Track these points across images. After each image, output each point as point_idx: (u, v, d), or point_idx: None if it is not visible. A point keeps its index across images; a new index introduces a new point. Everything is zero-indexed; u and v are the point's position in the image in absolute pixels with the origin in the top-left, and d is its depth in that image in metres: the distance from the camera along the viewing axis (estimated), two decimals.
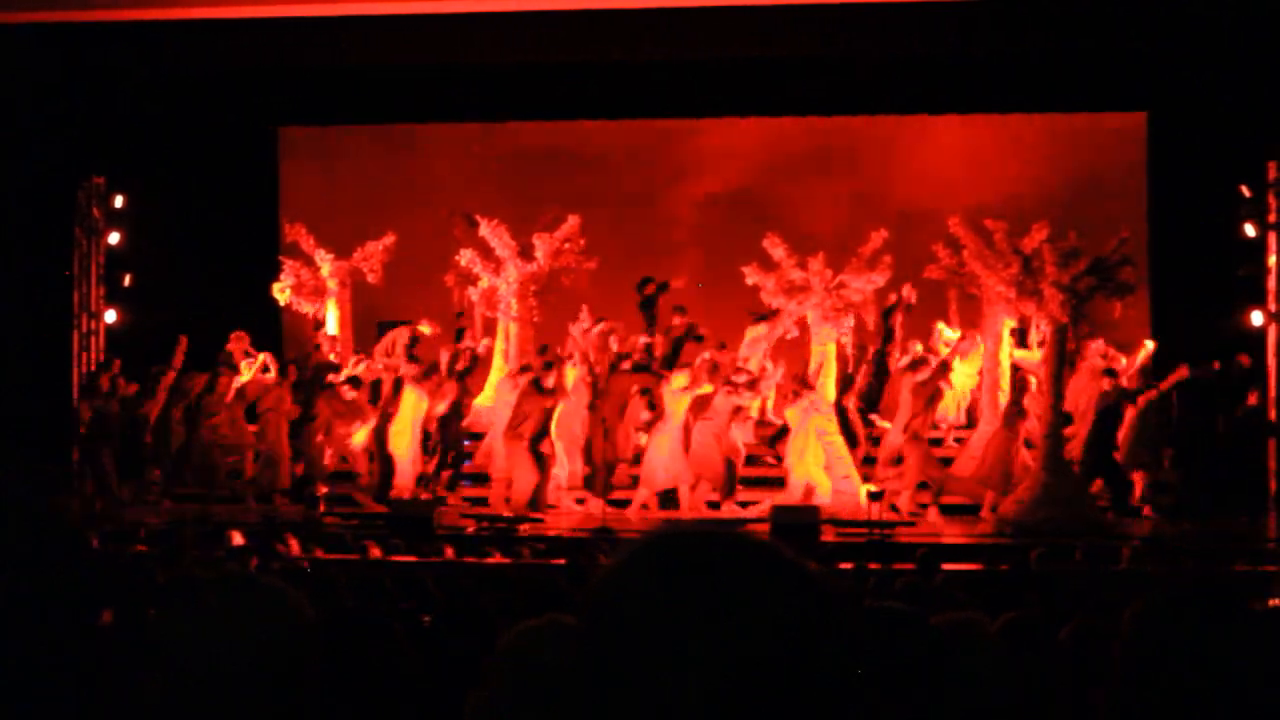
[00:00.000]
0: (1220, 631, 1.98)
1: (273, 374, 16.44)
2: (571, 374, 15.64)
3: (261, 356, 16.67)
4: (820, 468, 14.91)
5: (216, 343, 17.69)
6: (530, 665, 2.31)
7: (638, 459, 15.52)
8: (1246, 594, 7.93)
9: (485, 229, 16.21)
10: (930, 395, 15.08)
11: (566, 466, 15.57)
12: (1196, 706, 1.93)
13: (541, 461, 14.94)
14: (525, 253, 16.22)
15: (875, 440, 16.58)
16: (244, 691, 2.04)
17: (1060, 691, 3.75)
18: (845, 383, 16.29)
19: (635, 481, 15.56)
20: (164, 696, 2.06)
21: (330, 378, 16.31)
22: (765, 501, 14.71)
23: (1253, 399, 15.38)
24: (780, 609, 1.33)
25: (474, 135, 20.23)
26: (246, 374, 16.47)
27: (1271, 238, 16.29)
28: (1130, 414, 15.14)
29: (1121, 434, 15.16)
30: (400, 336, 17.06)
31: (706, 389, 15.09)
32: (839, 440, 15.20)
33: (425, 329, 17.19)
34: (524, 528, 14.49)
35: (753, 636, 1.30)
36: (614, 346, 16.48)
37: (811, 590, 1.36)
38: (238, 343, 17.42)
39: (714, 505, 15.59)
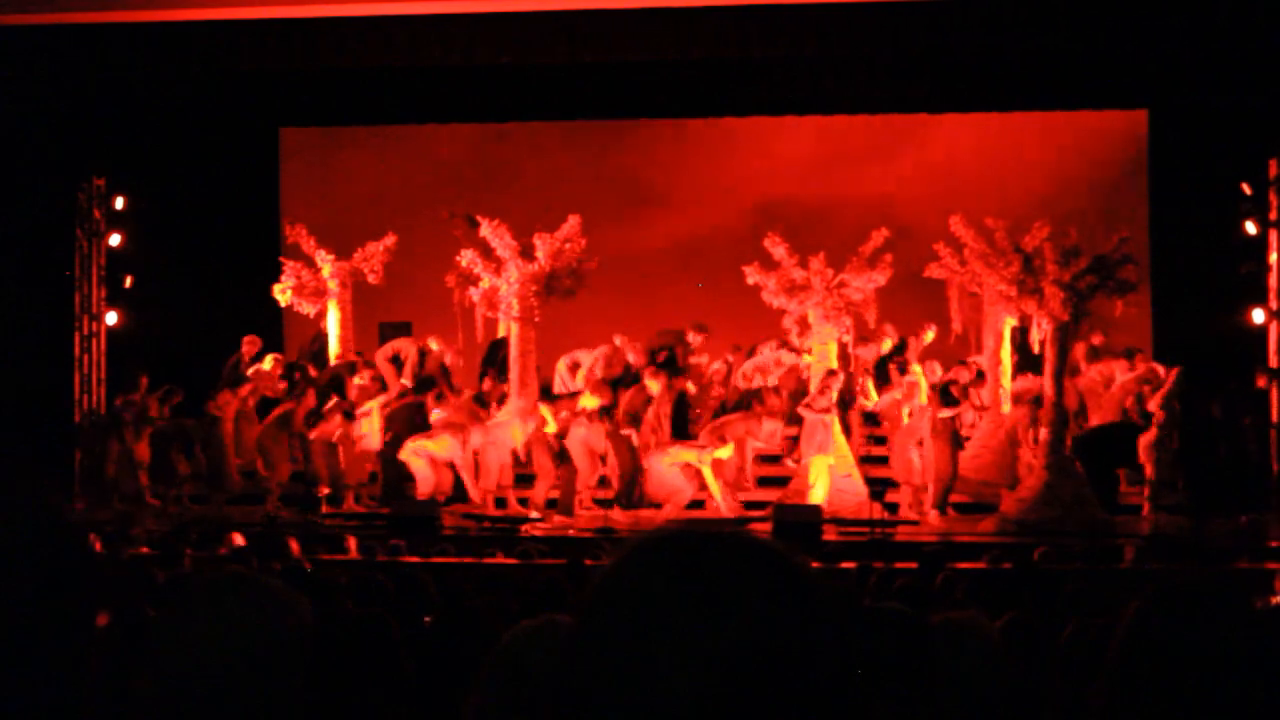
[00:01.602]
0: (1221, 629, 1.98)
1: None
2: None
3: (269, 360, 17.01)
4: (826, 466, 14.94)
5: (217, 344, 17.74)
6: (526, 666, 2.31)
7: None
8: (1248, 591, 7.92)
9: (486, 229, 16.21)
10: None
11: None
12: (1196, 705, 1.93)
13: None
14: (526, 253, 16.22)
15: (879, 440, 16.67)
16: (242, 692, 2.04)
17: (1061, 691, 3.75)
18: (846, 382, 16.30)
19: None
20: (163, 697, 2.06)
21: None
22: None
23: (1262, 382, 15.42)
24: (777, 609, 1.32)
25: (474, 135, 20.24)
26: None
27: (1272, 235, 16.29)
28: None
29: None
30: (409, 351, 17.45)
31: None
32: (841, 439, 15.22)
33: (434, 345, 17.55)
34: (526, 528, 14.51)
35: (749, 637, 1.30)
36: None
37: (808, 591, 1.36)
38: (250, 346, 17.46)
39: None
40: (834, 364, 15.78)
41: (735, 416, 15.59)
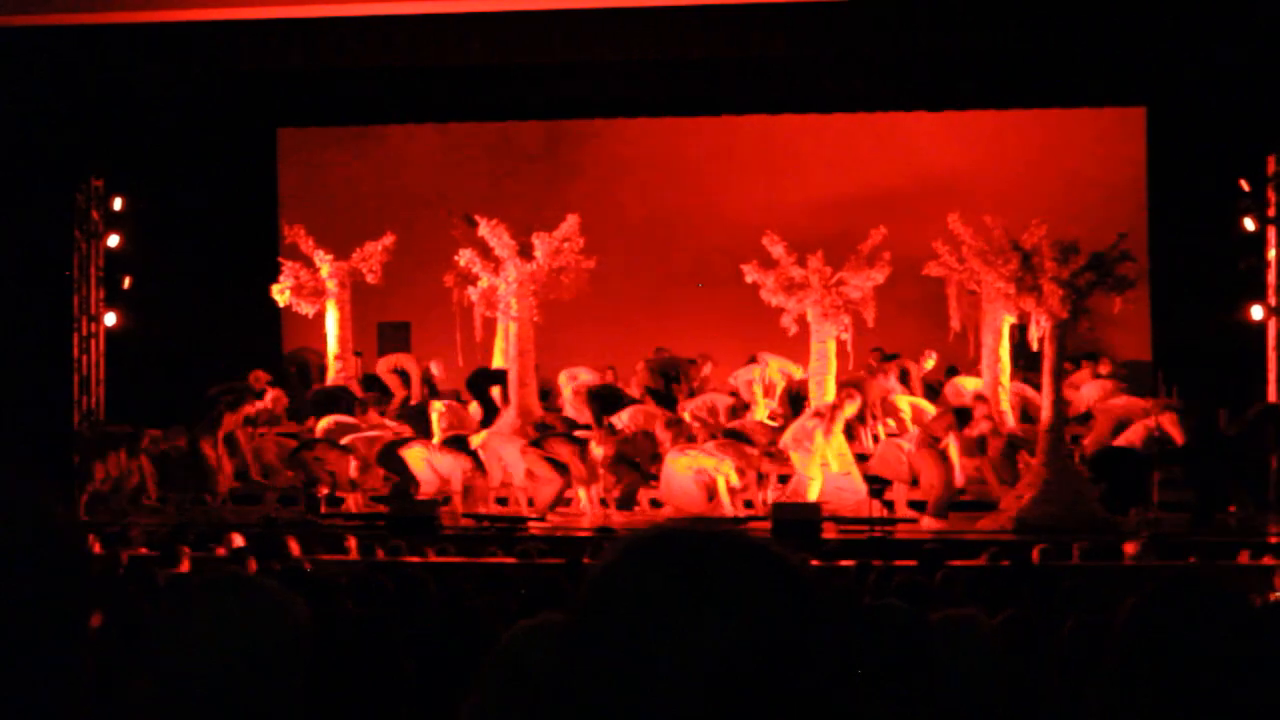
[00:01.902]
0: (1218, 626, 1.98)
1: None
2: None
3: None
4: (819, 465, 14.93)
5: (215, 345, 17.74)
6: (526, 666, 2.31)
7: None
8: (1245, 588, 7.93)
9: (484, 228, 16.21)
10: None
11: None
12: (1194, 701, 1.93)
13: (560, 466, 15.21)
14: (525, 252, 16.23)
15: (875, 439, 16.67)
16: (240, 692, 2.04)
17: (1060, 687, 3.75)
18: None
19: None
20: (161, 698, 2.06)
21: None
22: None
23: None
24: (775, 609, 1.32)
25: (474, 135, 20.23)
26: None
27: (1271, 232, 16.28)
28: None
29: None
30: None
31: None
32: (840, 438, 15.20)
33: (435, 369, 17.70)
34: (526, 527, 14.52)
35: (747, 636, 1.30)
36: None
37: (806, 590, 1.35)
38: (256, 382, 17.47)
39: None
40: (833, 362, 15.80)
41: (732, 442, 15.52)
